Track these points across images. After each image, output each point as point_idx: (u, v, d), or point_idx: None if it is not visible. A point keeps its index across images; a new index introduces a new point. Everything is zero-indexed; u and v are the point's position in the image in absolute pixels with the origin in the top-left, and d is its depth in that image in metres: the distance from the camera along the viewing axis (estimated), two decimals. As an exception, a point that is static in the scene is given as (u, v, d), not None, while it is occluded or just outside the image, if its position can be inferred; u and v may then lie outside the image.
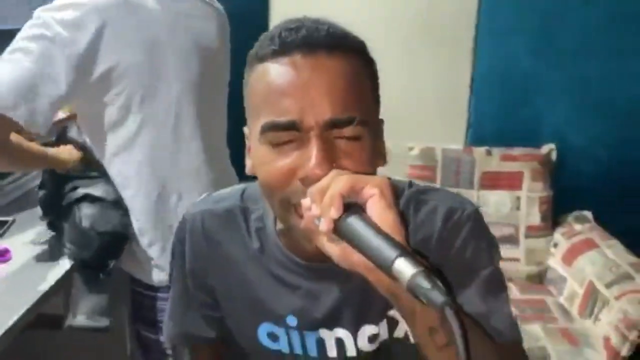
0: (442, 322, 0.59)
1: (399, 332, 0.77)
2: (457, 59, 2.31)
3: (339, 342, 0.78)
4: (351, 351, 0.78)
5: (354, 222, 0.57)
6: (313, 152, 0.63)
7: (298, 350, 0.79)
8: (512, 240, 2.19)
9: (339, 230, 0.58)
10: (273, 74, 0.66)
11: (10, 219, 1.44)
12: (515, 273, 2.18)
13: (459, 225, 0.74)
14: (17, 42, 1.11)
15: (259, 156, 0.68)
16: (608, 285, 1.85)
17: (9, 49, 1.10)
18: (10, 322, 1.05)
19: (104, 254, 1.24)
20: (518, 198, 2.20)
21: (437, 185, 2.19)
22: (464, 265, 0.74)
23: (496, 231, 2.19)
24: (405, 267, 0.52)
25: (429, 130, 2.31)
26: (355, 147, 0.65)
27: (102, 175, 1.28)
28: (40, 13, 1.12)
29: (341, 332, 0.78)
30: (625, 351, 1.68)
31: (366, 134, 0.66)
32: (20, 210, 1.50)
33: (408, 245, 0.58)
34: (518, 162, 2.21)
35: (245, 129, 0.74)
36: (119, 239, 1.25)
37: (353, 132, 0.65)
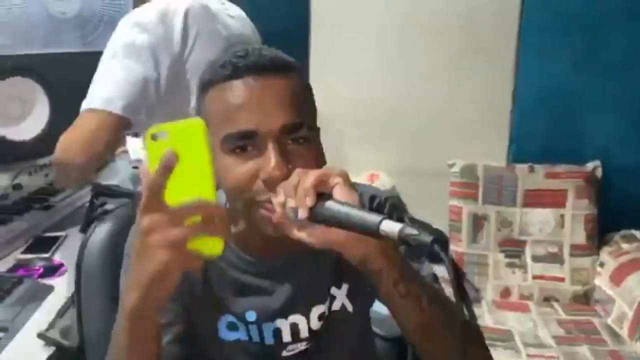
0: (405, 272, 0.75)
1: (336, 306, 0.89)
2: (499, 74, 2.30)
3: (294, 327, 0.87)
4: (304, 332, 0.87)
5: (332, 205, 0.68)
6: (271, 156, 0.73)
7: (256, 338, 0.87)
8: (557, 259, 2.15)
9: (314, 216, 0.69)
10: (229, 94, 0.76)
11: (62, 234, 1.49)
12: (561, 293, 2.13)
13: (381, 205, 0.91)
14: (115, 46, 1.23)
15: (223, 165, 0.76)
16: (660, 307, 1.80)
17: (108, 54, 1.23)
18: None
19: None
20: (562, 216, 2.16)
21: (479, 201, 2.17)
22: None
23: (540, 249, 2.18)
24: (391, 225, 0.64)
25: (471, 146, 2.29)
26: (306, 149, 0.77)
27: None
28: (129, 18, 1.25)
29: (296, 318, 0.87)
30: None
31: (313, 138, 0.78)
32: (72, 225, 1.54)
33: None
34: (562, 180, 2.17)
35: None
36: None
37: (303, 135, 0.76)
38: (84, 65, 1.45)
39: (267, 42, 1.90)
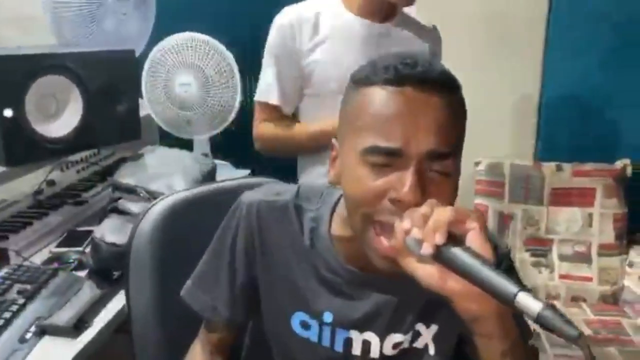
0: (515, 348, 0.70)
1: (419, 344, 0.86)
2: (527, 72, 2.28)
3: (365, 344, 0.85)
4: (374, 353, 0.85)
5: (461, 253, 0.63)
6: (409, 178, 0.69)
7: (326, 342, 0.85)
8: (585, 258, 2.12)
9: (438, 255, 0.63)
10: (384, 99, 0.72)
11: (94, 228, 1.52)
12: (588, 293, 2.10)
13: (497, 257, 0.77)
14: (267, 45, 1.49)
15: (355, 173, 0.73)
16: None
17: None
18: (102, 325, 1.13)
19: (109, 265, 1.26)
20: (590, 215, 2.13)
21: (505, 200, 2.16)
22: None
23: (567, 249, 2.16)
24: (530, 302, 0.57)
25: (497, 144, 2.27)
26: (445, 182, 0.72)
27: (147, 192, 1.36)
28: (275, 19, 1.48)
29: (370, 335, 0.85)
30: None
31: (454, 171, 0.73)
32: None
33: None
34: (590, 178, 2.14)
35: (334, 140, 0.80)
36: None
37: (445, 167, 0.71)
38: (115, 63, 1.50)
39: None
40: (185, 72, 1.82)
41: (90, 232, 1.50)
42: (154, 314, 1.01)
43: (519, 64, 2.26)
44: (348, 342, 0.85)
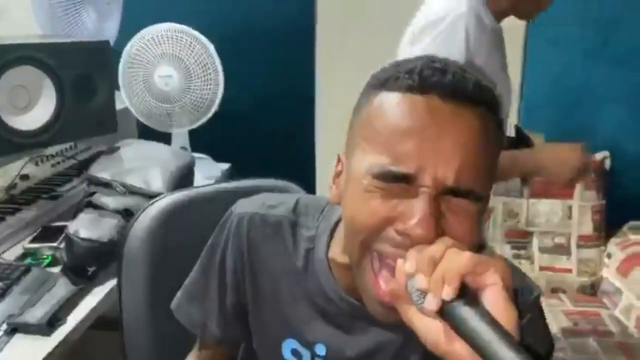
0: None
1: None
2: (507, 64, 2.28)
3: None
4: None
5: (472, 316, 0.50)
6: (420, 209, 0.56)
7: None
8: (564, 250, 2.14)
9: (445, 312, 0.52)
10: (402, 109, 0.59)
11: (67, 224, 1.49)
12: (567, 284, 2.13)
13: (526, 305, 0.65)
14: None
15: (359, 194, 0.61)
16: (667, 298, 1.79)
17: None
18: (76, 322, 1.10)
19: (83, 261, 1.23)
20: (570, 207, 2.15)
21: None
22: None
23: (547, 241, 2.17)
24: None
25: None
26: (468, 215, 0.59)
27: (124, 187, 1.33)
28: None
29: None
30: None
31: (477, 211, 0.59)
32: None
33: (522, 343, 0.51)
34: (570, 170, 2.15)
35: (342, 155, 0.69)
36: (104, 248, 1.23)
37: (464, 206, 0.58)
38: (89, 55, 1.46)
39: (271, 36, 1.92)
40: (165, 63, 1.79)
41: (65, 227, 1.47)
42: (145, 315, 1.00)
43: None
44: None
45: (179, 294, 0.86)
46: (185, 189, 1.08)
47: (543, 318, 0.73)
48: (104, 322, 1.25)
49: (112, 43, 1.66)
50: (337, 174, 0.69)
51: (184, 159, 1.52)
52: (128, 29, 1.85)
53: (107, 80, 1.53)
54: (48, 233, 1.43)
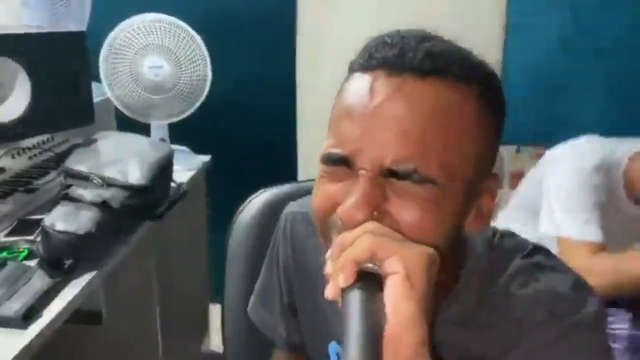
0: None
1: None
2: (486, 55, 2.29)
3: None
4: None
5: (354, 304, 0.47)
6: (354, 193, 0.53)
7: None
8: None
9: (343, 300, 0.49)
10: (348, 89, 0.57)
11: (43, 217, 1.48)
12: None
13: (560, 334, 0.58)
14: None
15: (317, 178, 0.60)
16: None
17: None
18: (53, 315, 1.09)
19: (60, 253, 1.23)
20: (549, 197, 2.16)
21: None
22: None
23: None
24: None
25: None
26: (410, 205, 0.53)
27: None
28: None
29: None
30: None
31: (432, 194, 0.53)
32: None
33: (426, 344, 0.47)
34: (549, 161, 2.17)
35: None
36: (80, 240, 1.22)
37: (409, 189, 0.53)
38: (64, 46, 1.44)
39: (251, 27, 1.89)
40: (155, 54, 1.77)
41: (42, 220, 1.46)
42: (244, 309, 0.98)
43: (478, 45, 2.26)
44: None
45: (252, 296, 0.87)
46: (285, 184, 1.10)
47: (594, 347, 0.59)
48: (82, 316, 1.24)
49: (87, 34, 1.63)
50: None
51: (162, 151, 1.51)
52: (103, 20, 1.83)
53: (84, 71, 1.51)
54: (24, 226, 1.41)
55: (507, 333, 0.59)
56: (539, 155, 2.17)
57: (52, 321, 1.09)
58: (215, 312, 2.28)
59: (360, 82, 0.55)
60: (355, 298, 0.47)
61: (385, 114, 0.52)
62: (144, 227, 1.46)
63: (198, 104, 1.86)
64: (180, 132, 1.94)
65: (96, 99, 1.60)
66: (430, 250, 0.50)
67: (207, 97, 1.87)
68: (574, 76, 2.25)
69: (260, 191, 1.10)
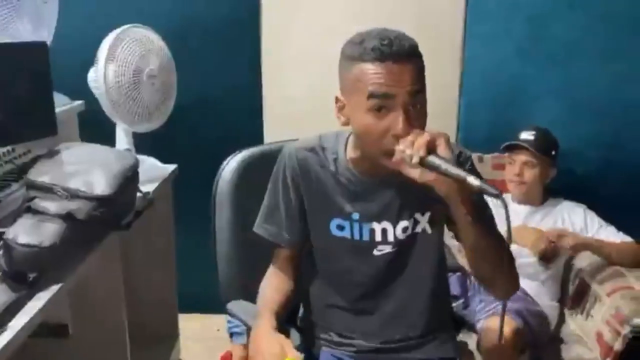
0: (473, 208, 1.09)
1: (419, 228, 1.25)
2: (446, 64, 2.34)
3: (384, 230, 1.23)
4: (390, 237, 1.24)
5: (434, 158, 1.03)
6: (400, 119, 1.07)
7: (357, 236, 1.24)
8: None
9: (422, 162, 1.03)
10: (375, 70, 1.08)
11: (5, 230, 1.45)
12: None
13: (463, 159, 1.22)
14: None
15: (363, 119, 1.11)
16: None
17: None
18: (17, 329, 1.07)
19: (22, 266, 1.20)
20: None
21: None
22: None
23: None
24: (473, 180, 0.98)
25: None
26: (421, 113, 1.11)
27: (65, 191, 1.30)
28: None
29: (386, 224, 1.23)
30: (617, 346, 1.72)
31: (425, 104, 1.11)
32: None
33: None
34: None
35: (340, 96, 1.16)
36: (45, 253, 1.21)
37: (421, 100, 1.10)
38: (25, 57, 1.43)
39: (215, 28, 1.88)
40: (152, 64, 1.79)
41: (3, 233, 1.43)
42: (234, 244, 1.50)
43: (437, 54, 2.30)
44: (372, 232, 1.24)
45: (257, 219, 1.33)
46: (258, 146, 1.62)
47: (473, 165, 1.25)
48: (48, 329, 1.23)
49: (49, 44, 1.62)
50: (340, 108, 1.17)
51: (127, 161, 1.50)
52: (66, 31, 1.80)
53: (45, 82, 1.50)
54: (-14, 240, 1.38)
55: None
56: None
57: (16, 335, 1.07)
58: (183, 321, 2.27)
59: (380, 67, 1.07)
60: (434, 158, 1.02)
61: (401, 74, 1.08)
62: (110, 238, 1.44)
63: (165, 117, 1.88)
64: (145, 142, 1.93)
65: (58, 109, 1.58)
66: (445, 132, 1.06)
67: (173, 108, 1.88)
68: (530, 83, 2.32)
69: (237, 152, 1.56)
